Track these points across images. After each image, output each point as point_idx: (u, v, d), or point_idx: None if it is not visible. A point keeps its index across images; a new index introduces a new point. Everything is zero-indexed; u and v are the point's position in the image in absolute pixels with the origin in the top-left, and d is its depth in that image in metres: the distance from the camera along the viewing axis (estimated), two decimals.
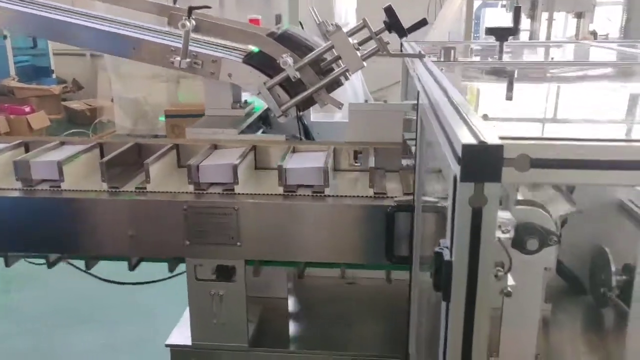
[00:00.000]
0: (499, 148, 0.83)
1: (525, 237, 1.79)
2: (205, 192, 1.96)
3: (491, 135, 0.86)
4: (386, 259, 1.83)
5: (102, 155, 2.20)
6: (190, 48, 2.26)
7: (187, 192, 1.96)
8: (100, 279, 2.31)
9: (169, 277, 2.19)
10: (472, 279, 0.90)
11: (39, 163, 2.03)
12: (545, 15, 6.56)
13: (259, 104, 2.64)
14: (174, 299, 2.49)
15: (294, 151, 2.15)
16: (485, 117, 1.18)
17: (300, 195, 1.93)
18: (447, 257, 0.93)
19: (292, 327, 2.27)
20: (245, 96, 2.58)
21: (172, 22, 2.21)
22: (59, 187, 1.99)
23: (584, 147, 0.84)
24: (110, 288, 2.47)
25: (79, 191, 1.98)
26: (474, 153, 0.84)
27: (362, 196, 1.89)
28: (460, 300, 0.91)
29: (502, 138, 0.85)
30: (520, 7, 2.98)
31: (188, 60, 2.22)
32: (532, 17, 6.65)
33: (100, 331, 3.67)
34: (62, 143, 2.28)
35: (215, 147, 2.19)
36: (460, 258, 0.90)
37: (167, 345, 2.10)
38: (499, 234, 0.88)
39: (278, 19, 3.02)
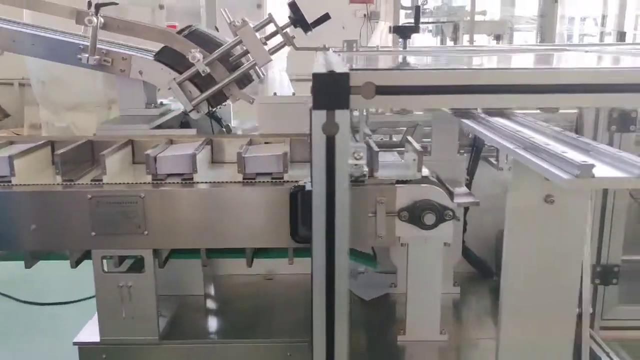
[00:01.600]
0: (345, 76, 0.89)
1: (423, 212, 1.88)
2: (163, 182, 1.95)
3: (340, 66, 0.92)
4: (291, 238, 1.86)
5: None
6: (100, 46, 2.27)
7: (143, 183, 1.94)
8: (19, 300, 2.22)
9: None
10: (330, 202, 0.94)
11: None
12: (467, 37, 6.92)
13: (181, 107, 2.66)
14: None
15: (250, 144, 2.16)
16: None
17: (201, 182, 1.95)
18: (308, 187, 0.98)
19: (206, 321, 2.26)
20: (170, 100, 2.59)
21: (80, 21, 2.22)
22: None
23: (420, 73, 0.91)
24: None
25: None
26: (323, 81, 0.90)
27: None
28: (321, 225, 0.95)
29: (351, 70, 0.92)
30: (419, 6, 3.14)
31: (97, 57, 2.23)
32: (455, 39, 7.00)
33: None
34: (11, 142, 2.20)
35: (171, 142, 2.18)
36: (319, 183, 0.94)
37: (75, 344, 2.05)
38: (352, 160, 0.93)
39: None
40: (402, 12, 7.54)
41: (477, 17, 7.39)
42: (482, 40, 7.54)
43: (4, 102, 9.95)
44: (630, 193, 2.19)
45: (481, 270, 2.51)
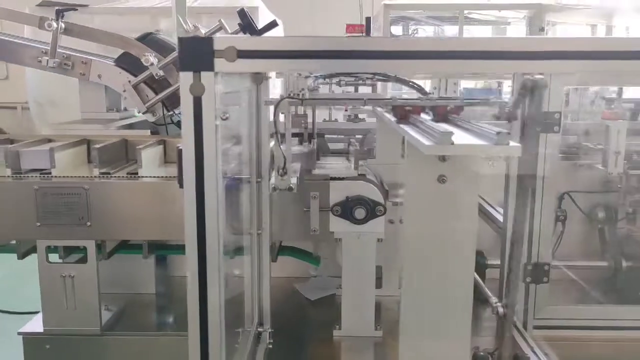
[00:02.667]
0: (209, 40, 0.97)
1: (354, 207, 1.94)
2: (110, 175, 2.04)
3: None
4: None
5: None
6: (61, 50, 2.38)
7: (89, 176, 2.04)
8: None
9: None
10: (199, 160, 1.01)
11: None
12: None
13: None
14: None
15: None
16: None
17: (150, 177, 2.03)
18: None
19: (151, 316, 2.29)
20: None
21: (41, 26, 2.33)
22: None
23: (275, 39, 0.99)
24: None
25: None
26: (189, 45, 0.97)
27: None
28: (191, 181, 1.02)
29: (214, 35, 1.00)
30: (370, 17, 3.24)
31: (57, 60, 2.33)
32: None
33: None
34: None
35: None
36: (187, 143, 1.01)
37: (19, 334, 2.09)
38: (218, 121, 0.99)
39: None
40: None
41: None
42: None
43: (7, 125, 10.18)
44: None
45: None
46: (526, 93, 1.40)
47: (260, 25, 1.96)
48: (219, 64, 0.97)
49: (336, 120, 2.84)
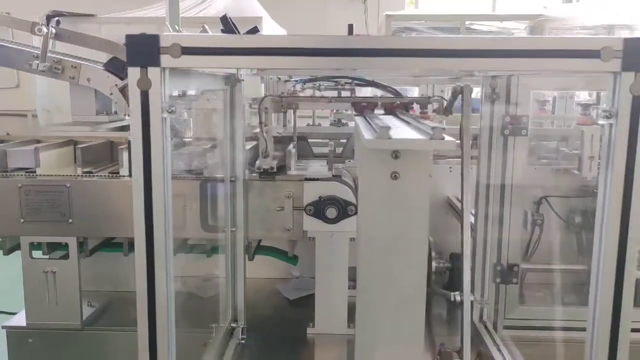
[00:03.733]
0: (155, 37, 1.03)
1: (326, 206, 1.99)
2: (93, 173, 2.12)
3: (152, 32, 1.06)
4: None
5: None
6: (52, 55, 2.46)
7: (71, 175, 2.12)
8: None
9: None
10: (146, 152, 1.07)
11: None
12: None
13: None
14: None
15: None
16: None
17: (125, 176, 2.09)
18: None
19: (132, 312, 2.34)
20: None
21: (33, 31, 2.42)
22: None
23: (218, 37, 1.05)
24: None
25: None
26: (136, 41, 1.04)
27: None
28: (139, 174, 1.07)
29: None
30: (352, 24, 3.28)
31: (47, 64, 2.41)
32: None
33: None
34: None
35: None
36: (135, 136, 1.07)
37: (3, 327, 2.16)
38: (165, 114, 1.05)
39: None
40: None
41: None
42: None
43: (17, 132, 10.37)
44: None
45: None
46: (457, 94, 1.45)
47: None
48: (165, 60, 1.03)
49: (320, 124, 2.90)
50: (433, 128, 1.11)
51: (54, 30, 2.39)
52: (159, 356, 1.21)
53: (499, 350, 1.86)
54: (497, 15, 7.72)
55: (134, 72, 1.04)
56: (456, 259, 2.40)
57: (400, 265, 1.43)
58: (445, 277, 2.43)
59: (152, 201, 1.08)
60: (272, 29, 8.26)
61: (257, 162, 2.02)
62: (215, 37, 1.06)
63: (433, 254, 2.39)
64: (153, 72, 1.04)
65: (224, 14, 2.33)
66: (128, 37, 1.03)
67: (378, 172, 1.39)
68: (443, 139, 1.11)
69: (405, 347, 1.48)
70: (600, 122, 1.05)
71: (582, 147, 2.30)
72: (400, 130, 1.25)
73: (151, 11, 8.67)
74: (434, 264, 2.37)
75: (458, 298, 1.85)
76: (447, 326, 2.27)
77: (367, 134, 1.19)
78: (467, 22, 7.38)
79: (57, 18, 2.45)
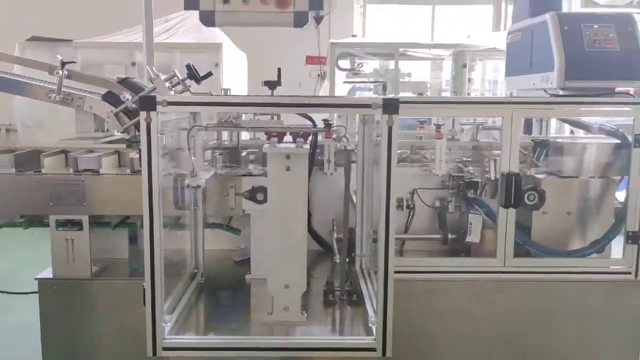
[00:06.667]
0: (154, 97, 2.06)
1: (256, 192, 3.03)
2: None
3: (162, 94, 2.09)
4: None
5: None
6: (65, 89, 3.45)
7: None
8: None
9: None
10: (149, 158, 2.08)
11: None
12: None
13: None
14: None
15: None
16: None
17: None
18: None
19: (125, 269, 3.31)
20: None
21: (51, 72, 3.41)
22: None
23: (187, 97, 2.09)
24: None
25: None
26: (144, 99, 2.06)
27: None
28: (146, 172, 2.09)
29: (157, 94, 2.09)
30: (280, 68, 4.34)
31: (61, 96, 3.41)
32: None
33: None
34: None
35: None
36: (144, 149, 2.09)
37: (36, 279, 3.12)
38: (159, 134, 2.06)
39: None
40: (343, 73, 8.95)
41: (405, 79, 8.73)
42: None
43: None
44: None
45: (323, 246, 3.64)
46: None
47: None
48: (159, 108, 2.05)
49: (258, 138, 3.94)
50: (296, 141, 2.17)
51: (66, 72, 3.40)
52: (155, 287, 2.21)
53: (366, 285, 2.93)
54: (425, 44, 8.95)
55: (143, 114, 2.07)
56: (352, 231, 3.46)
57: (289, 223, 2.48)
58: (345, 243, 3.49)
59: (152, 188, 2.10)
60: (232, 54, 9.29)
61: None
62: (184, 96, 2.09)
63: (335, 227, 3.47)
64: (153, 114, 2.07)
65: (188, 62, 3.37)
66: (141, 97, 2.06)
67: (278, 165, 2.45)
68: (302, 147, 2.17)
69: (291, 279, 2.52)
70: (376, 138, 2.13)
71: (435, 153, 3.40)
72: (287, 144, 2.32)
73: (123, 36, 9.62)
74: (335, 235, 3.44)
75: (338, 260, 2.92)
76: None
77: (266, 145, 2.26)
78: (400, 49, 8.60)
79: (67, 63, 3.43)
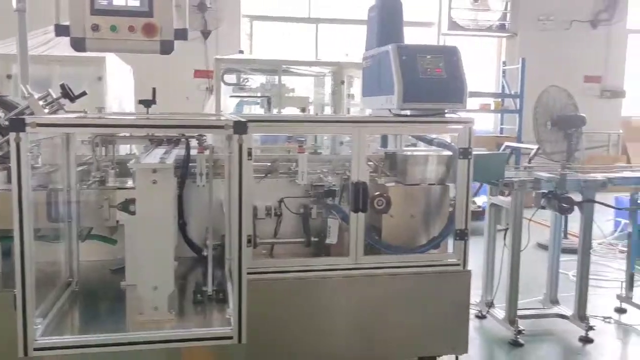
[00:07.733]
0: (23, 119, 2.27)
1: (130, 204, 3.26)
2: None
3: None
4: None
5: None
6: None
7: None
8: None
9: None
10: (19, 174, 2.28)
11: None
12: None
13: None
14: None
15: None
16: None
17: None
18: None
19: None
20: None
21: None
22: None
23: (56, 118, 2.32)
24: None
25: None
26: (15, 120, 2.26)
27: None
28: (16, 188, 2.29)
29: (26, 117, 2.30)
30: (155, 88, 4.61)
31: None
32: (269, 110, 8.64)
33: None
34: None
35: None
36: (14, 167, 2.29)
37: None
38: (29, 154, 2.27)
39: None
40: (228, 88, 9.22)
41: (290, 94, 9.16)
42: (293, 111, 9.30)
43: None
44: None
45: (195, 250, 3.92)
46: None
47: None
48: (28, 129, 2.26)
49: (135, 152, 4.16)
50: (162, 157, 2.46)
51: None
52: (26, 292, 2.40)
53: (232, 285, 3.26)
54: (306, 61, 9.46)
55: (13, 135, 2.27)
56: (223, 237, 3.76)
57: (157, 231, 2.76)
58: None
59: (22, 205, 2.30)
60: (117, 67, 9.29)
61: None
62: (55, 118, 2.31)
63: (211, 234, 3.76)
64: (23, 135, 2.28)
65: (62, 82, 3.55)
66: (10, 119, 2.26)
67: (145, 179, 2.72)
68: (165, 161, 2.47)
69: (159, 281, 2.80)
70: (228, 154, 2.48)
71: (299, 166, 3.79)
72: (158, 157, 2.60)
73: (1, 48, 9.35)
74: (208, 241, 3.73)
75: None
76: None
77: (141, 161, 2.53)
78: (283, 66, 9.05)
79: None
